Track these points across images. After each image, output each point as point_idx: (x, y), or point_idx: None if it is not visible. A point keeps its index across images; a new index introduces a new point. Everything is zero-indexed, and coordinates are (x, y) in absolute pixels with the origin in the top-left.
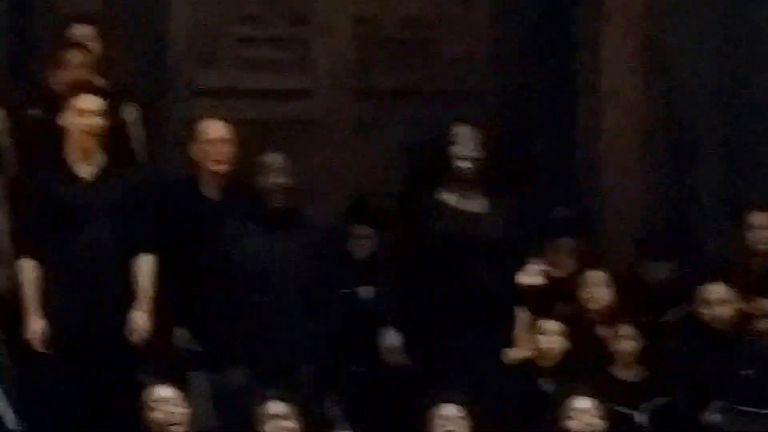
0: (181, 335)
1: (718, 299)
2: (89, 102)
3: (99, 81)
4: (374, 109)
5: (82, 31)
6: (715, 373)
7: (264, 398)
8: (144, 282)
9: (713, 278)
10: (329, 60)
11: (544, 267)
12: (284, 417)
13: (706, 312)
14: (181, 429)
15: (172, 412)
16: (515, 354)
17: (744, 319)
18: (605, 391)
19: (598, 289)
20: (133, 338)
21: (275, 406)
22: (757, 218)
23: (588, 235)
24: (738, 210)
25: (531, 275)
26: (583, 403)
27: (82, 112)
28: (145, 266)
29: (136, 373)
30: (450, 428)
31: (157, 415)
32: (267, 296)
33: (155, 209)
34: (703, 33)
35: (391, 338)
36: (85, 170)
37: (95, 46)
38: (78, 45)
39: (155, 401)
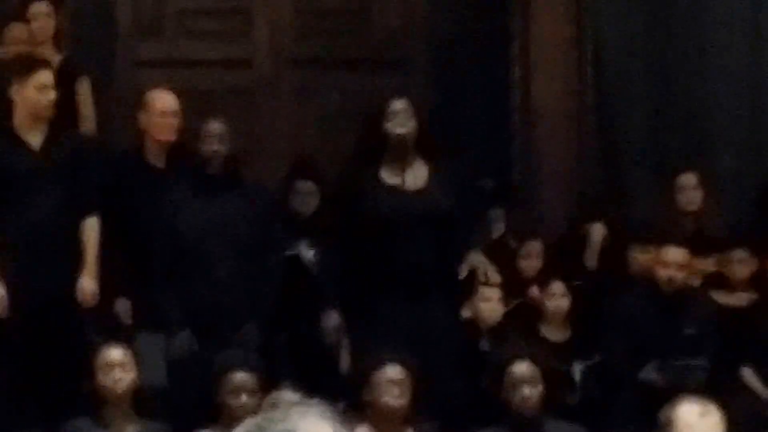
0: (122, 305)
1: (678, 262)
2: (46, 77)
3: (55, 54)
4: (312, 78)
5: (40, 8)
6: (657, 332)
7: (228, 367)
8: (90, 246)
9: (671, 241)
10: (269, 30)
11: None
12: (250, 390)
13: (663, 273)
14: (129, 392)
15: (119, 378)
16: (465, 314)
17: None
18: (538, 351)
19: (533, 260)
20: (83, 304)
21: (240, 377)
22: (685, 179)
23: (515, 202)
24: (666, 172)
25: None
26: (521, 369)
27: (40, 88)
28: (91, 229)
29: (86, 334)
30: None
31: (106, 380)
32: (206, 262)
33: (101, 175)
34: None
35: (332, 319)
36: (33, 140)
37: (52, 21)
38: (24, 21)
39: (104, 365)
